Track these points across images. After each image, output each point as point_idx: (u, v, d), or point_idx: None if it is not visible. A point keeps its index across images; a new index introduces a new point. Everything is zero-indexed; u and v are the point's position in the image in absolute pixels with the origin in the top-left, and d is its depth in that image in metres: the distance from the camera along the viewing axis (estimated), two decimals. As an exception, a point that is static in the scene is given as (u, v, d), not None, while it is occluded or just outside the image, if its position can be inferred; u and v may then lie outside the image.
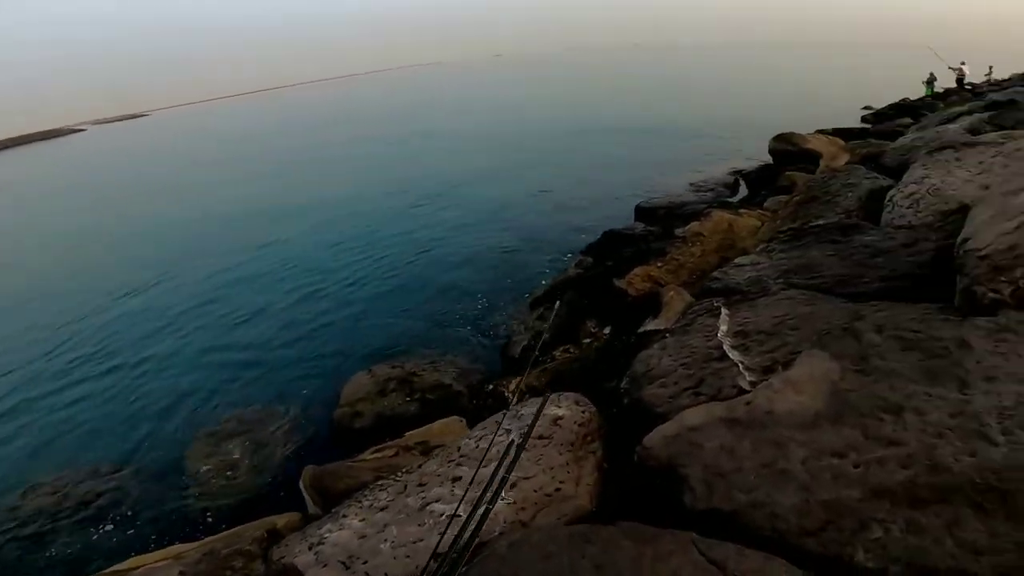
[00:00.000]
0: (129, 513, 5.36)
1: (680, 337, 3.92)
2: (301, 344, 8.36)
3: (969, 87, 22.16)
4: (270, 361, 7.97)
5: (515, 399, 5.42)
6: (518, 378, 5.45)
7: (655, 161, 15.47)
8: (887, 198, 5.20)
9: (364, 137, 26.19)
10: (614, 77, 49.19)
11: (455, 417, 5.49)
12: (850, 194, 6.17)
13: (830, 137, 12.37)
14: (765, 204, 8.48)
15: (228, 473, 5.89)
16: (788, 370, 2.76)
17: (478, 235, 11.05)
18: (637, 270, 6.68)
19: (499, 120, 26.94)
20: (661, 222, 9.58)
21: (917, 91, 23.02)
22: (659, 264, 6.45)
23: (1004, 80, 22.24)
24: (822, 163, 9.91)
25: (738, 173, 12.46)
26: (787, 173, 9.33)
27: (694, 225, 7.87)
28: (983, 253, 2.77)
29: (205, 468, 5.97)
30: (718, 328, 3.77)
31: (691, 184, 12.20)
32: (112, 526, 5.22)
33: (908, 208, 4.74)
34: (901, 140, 8.27)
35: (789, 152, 11.84)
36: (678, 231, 8.07)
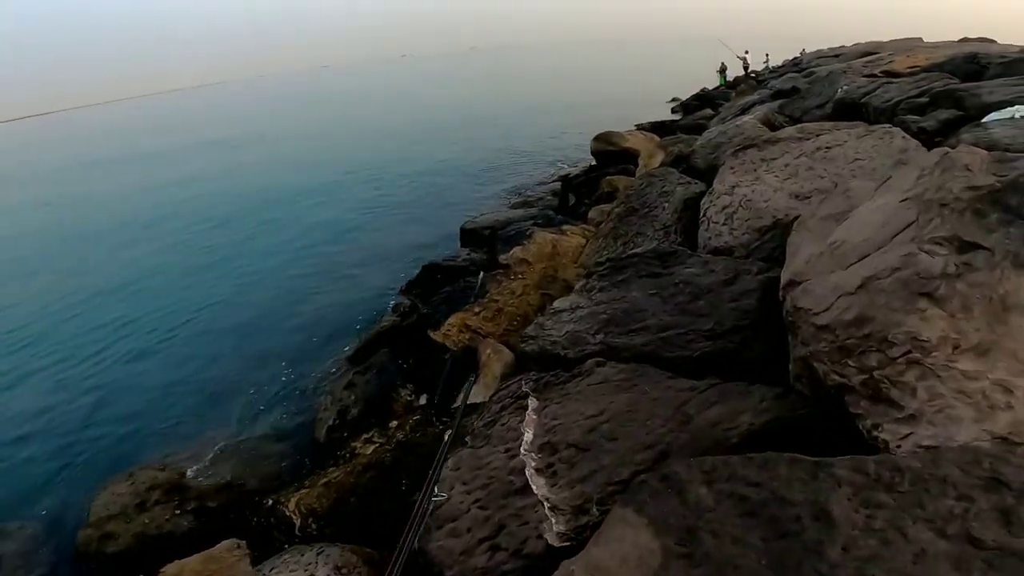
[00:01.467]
0: None
1: (477, 450, 2.92)
2: (36, 442, 6.21)
3: (754, 75, 24.72)
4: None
5: (298, 522, 4.17)
6: (297, 494, 4.09)
7: (481, 173, 14.68)
8: (702, 211, 4.66)
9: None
10: (442, 83, 48.94)
11: (230, 542, 4.19)
12: (666, 205, 5.67)
13: (647, 134, 12.49)
14: (590, 215, 7.95)
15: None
16: (596, 545, 1.80)
17: (277, 278, 9.25)
18: (453, 319, 5.62)
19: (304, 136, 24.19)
20: (487, 244, 8.71)
21: (713, 80, 25.18)
22: (477, 310, 5.44)
23: (779, 67, 25.15)
24: (641, 162, 9.72)
25: (565, 178, 12.06)
26: (608, 178, 8.95)
27: (517, 251, 7.05)
28: (823, 323, 2.00)
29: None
30: (522, 435, 2.79)
31: (519, 195, 11.55)
32: None
33: (723, 225, 4.19)
34: (707, 135, 8.19)
35: (610, 152, 11.68)
36: (502, 257, 7.21)
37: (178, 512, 4.94)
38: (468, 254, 8.28)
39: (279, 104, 56.72)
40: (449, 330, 5.50)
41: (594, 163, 12.29)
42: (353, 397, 5.78)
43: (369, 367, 6.15)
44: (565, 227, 7.25)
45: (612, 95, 26.26)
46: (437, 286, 7.59)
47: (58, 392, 7.08)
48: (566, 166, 13.68)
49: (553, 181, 12.20)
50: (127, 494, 5.12)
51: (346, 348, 6.91)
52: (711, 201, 4.58)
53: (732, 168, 4.99)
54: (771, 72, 23.98)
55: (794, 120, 6.53)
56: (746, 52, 25.50)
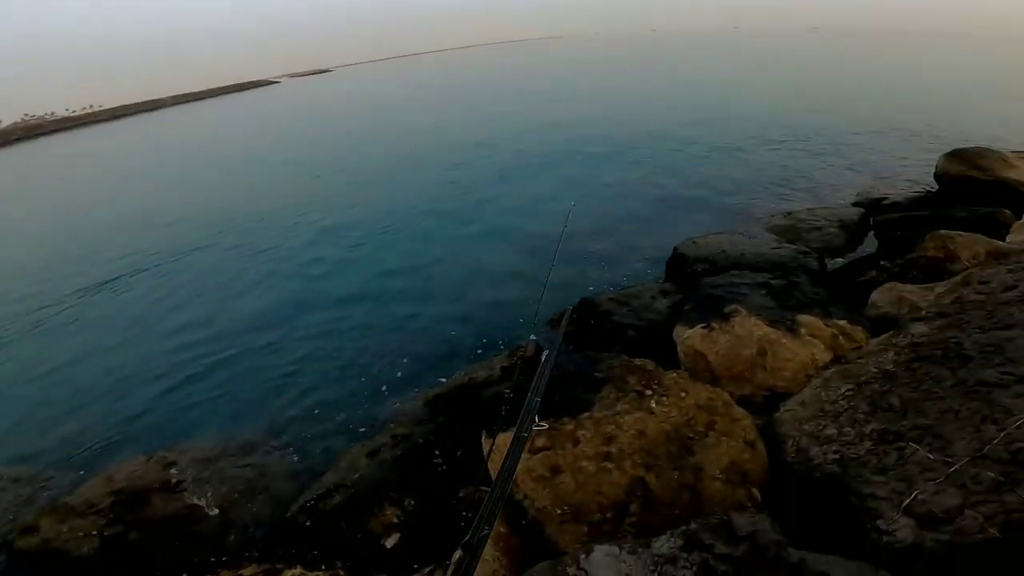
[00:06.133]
0: None
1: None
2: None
3: None
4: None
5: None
6: None
7: (757, 171, 10.59)
8: None
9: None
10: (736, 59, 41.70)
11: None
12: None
13: (1053, 161, 7.05)
14: (872, 297, 4.31)
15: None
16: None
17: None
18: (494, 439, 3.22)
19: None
20: (691, 283, 5.70)
21: None
22: (538, 442, 2.91)
23: None
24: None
25: (872, 204, 7.57)
26: (944, 232, 4.83)
27: (697, 336, 4.08)
28: None
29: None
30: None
31: (787, 212, 7.69)
32: None
33: None
34: None
35: (970, 180, 6.88)
36: (676, 333, 4.32)
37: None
38: (658, 294, 5.46)
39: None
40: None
41: (933, 189, 7.53)
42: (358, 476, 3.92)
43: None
44: (801, 319, 3.88)
45: (990, 104, 17.23)
46: (587, 333, 5.13)
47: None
48: (880, 187, 8.85)
49: (850, 205, 7.86)
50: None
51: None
52: None
53: None
54: None
55: None
56: None
